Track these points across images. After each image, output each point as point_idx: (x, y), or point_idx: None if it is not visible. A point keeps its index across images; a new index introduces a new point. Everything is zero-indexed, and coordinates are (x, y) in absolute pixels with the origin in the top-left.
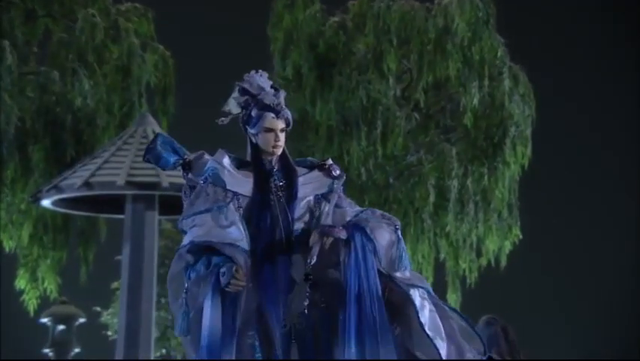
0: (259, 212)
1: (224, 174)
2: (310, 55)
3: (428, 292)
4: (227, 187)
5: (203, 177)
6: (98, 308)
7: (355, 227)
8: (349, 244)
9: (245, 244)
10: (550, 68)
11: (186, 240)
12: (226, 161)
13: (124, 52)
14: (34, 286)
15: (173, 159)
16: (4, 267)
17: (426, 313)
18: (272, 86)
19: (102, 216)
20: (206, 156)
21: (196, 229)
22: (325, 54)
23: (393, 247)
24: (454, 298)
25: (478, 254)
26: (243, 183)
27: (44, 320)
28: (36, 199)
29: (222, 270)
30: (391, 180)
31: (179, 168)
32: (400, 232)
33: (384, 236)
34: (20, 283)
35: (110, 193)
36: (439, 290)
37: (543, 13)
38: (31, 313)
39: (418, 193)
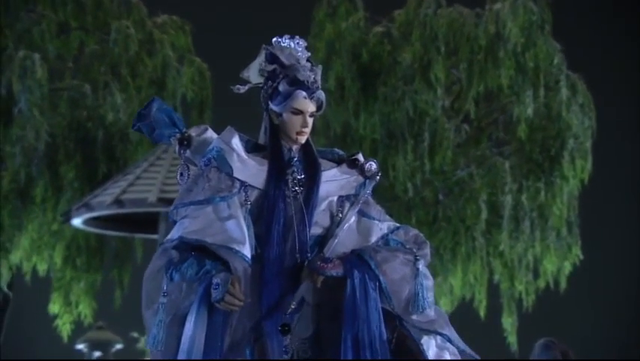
0: (271, 210)
1: (232, 158)
2: (353, 65)
3: (449, 340)
4: (235, 174)
5: (205, 159)
6: (135, 334)
7: (356, 261)
8: (347, 282)
9: (247, 248)
10: (611, 76)
11: (174, 233)
12: (235, 142)
13: (158, 65)
14: (68, 311)
15: (169, 131)
16: (37, 291)
17: None
18: (308, 59)
19: (137, 236)
20: (210, 133)
21: (188, 222)
22: (369, 64)
23: (409, 283)
24: (509, 321)
25: (536, 275)
26: (254, 172)
27: (80, 346)
28: (67, 218)
29: (215, 280)
30: (440, 197)
31: (176, 142)
32: (421, 264)
33: (395, 270)
34: (54, 307)
35: (142, 211)
36: (493, 313)
37: (602, 17)
38: (65, 339)
39: (469, 210)
